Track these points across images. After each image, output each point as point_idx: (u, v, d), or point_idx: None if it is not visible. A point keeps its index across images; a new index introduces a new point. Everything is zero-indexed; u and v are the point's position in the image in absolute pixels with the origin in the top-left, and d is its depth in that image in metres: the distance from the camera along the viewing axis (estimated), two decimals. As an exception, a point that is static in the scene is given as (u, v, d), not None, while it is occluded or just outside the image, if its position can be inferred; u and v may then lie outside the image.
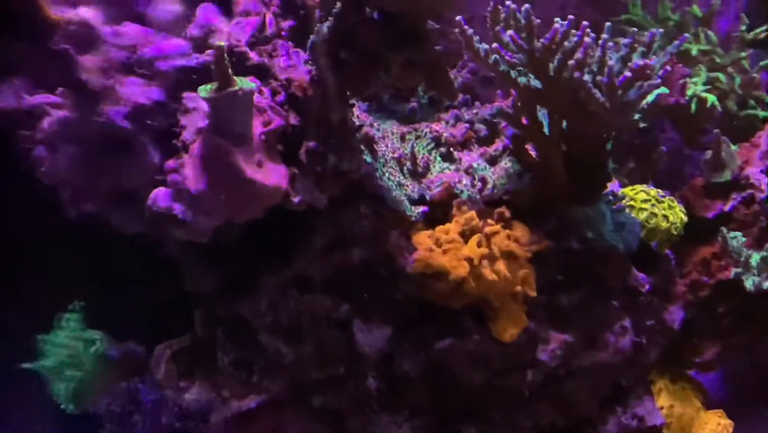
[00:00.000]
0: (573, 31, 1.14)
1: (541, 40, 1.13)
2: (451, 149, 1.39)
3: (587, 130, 1.23)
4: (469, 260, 1.18)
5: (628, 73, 1.10)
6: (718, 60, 1.74)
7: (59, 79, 1.11)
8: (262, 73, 1.15)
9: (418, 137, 1.40)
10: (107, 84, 1.09)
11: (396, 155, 1.32)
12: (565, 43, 1.13)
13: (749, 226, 1.59)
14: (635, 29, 1.21)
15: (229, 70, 0.99)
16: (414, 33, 1.09)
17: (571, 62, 1.12)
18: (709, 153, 1.61)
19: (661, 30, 1.19)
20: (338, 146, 1.17)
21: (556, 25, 1.14)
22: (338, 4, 1.06)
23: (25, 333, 1.42)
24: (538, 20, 1.15)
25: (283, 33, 1.20)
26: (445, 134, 1.40)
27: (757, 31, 1.75)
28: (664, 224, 1.46)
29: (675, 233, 1.47)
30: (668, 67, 1.15)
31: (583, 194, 1.32)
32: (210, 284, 1.28)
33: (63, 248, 1.41)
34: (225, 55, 0.97)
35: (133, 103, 1.09)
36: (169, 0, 1.18)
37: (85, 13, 1.14)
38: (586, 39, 1.13)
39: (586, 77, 1.14)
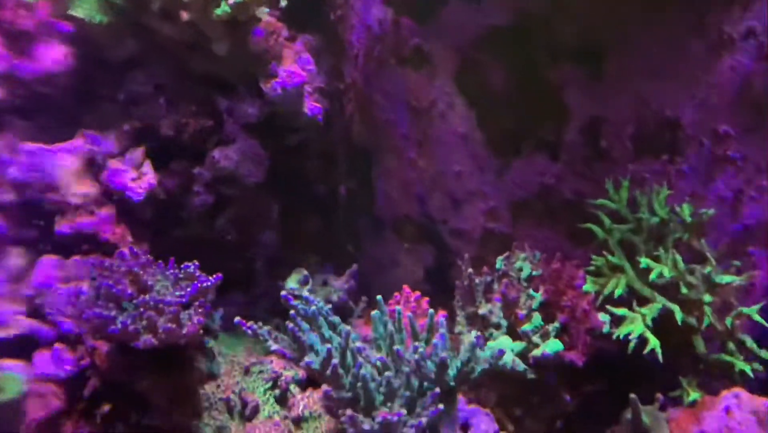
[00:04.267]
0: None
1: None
2: (289, 391, 1.32)
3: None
4: None
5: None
6: (685, 291, 1.41)
7: None
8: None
9: (260, 372, 1.34)
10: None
11: (225, 396, 1.27)
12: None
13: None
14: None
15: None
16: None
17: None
18: (628, 414, 1.34)
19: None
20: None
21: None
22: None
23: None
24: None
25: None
26: (284, 375, 1.33)
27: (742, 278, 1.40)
28: None
29: None
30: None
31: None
32: None
33: None
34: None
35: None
36: (13, 254, 1.24)
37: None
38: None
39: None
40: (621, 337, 1.37)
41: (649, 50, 1.59)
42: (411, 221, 1.94)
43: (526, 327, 1.30)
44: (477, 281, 1.46)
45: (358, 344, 1.07)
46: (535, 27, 1.63)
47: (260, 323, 1.11)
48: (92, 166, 1.32)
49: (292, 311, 1.10)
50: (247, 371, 1.34)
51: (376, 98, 1.87)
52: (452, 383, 1.06)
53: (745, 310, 1.37)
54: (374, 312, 1.16)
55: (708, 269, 1.39)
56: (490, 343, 1.31)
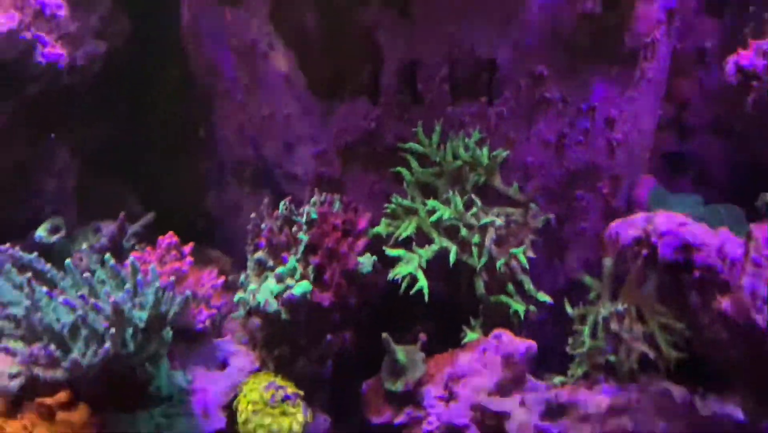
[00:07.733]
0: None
1: None
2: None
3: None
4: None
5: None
6: (464, 232, 1.39)
7: None
8: None
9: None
10: None
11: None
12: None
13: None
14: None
15: None
16: None
17: None
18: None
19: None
20: None
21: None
22: None
23: None
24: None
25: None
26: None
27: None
28: (265, 440, 1.27)
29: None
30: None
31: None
32: None
33: None
34: None
35: None
36: None
37: None
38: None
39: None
40: (394, 278, 1.36)
41: (456, -13, 1.54)
42: (248, 165, 1.91)
43: (280, 270, 1.30)
44: (262, 225, 1.45)
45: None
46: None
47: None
48: None
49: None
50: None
51: (203, 39, 1.83)
52: (141, 325, 1.08)
53: (513, 250, 1.34)
54: (68, 260, 1.19)
55: (473, 210, 1.36)
56: (251, 286, 1.31)
